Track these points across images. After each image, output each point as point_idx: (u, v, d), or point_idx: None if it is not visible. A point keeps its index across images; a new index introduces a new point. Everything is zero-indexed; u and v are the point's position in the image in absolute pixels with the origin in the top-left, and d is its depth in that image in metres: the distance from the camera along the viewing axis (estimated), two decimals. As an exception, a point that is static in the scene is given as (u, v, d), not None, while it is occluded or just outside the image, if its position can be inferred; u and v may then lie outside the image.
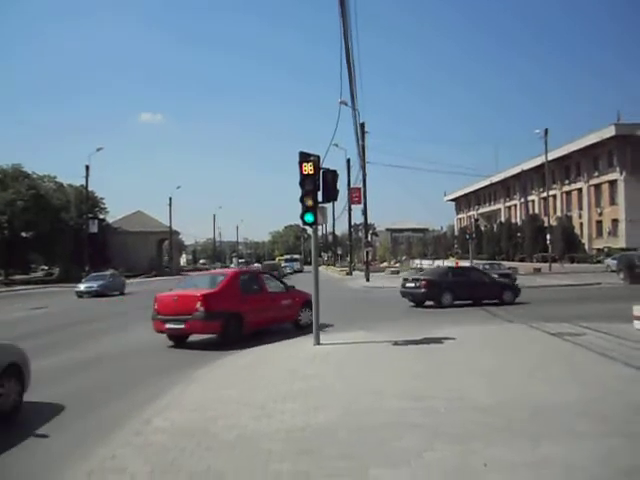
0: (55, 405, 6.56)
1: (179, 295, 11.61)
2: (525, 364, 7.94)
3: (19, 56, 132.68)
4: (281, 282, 14.30)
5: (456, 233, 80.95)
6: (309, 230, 11.14)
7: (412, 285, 19.00)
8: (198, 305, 10.71)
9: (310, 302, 13.11)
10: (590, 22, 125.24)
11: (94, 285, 29.37)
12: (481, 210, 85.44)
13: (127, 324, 15.67)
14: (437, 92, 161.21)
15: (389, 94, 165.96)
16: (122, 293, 31.13)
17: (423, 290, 18.34)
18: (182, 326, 10.89)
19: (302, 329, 12.80)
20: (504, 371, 7.48)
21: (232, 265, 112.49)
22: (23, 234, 49.54)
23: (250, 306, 11.55)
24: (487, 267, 32.58)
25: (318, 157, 9.98)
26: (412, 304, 18.85)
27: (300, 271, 65.14)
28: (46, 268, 60.87)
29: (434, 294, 18.26)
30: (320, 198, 10.08)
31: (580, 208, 58.00)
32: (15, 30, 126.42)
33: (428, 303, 18.60)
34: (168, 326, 11.12)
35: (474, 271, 21.19)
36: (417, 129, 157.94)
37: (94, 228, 48.68)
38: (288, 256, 78.49)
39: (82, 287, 29.56)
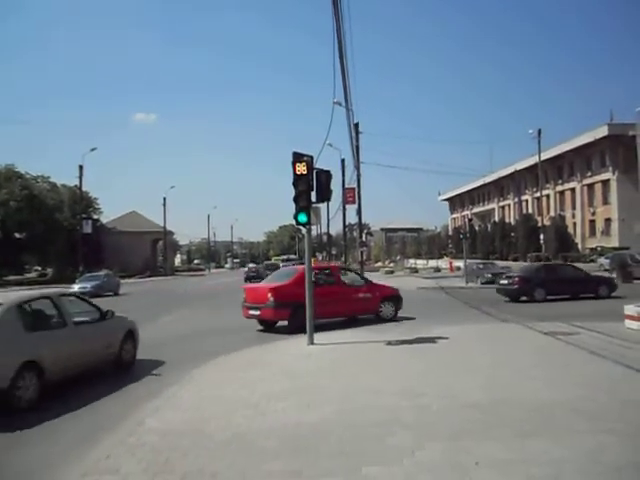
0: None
1: (258, 287, 14.39)
2: (518, 363, 8.01)
3: (13, 57, 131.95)
4: (361, 277, 15.98)
5: (450, 233, 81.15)
6: (303, 230, 11.23)
7: (506, 282, 20.35)
8: (269, 296, 12.69)
9: (393, 296, 14.82)
10: (590, 18, 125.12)
11: (88, 286, 29.23)
12: (475, 210, 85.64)
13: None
14: (434, 89, 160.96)
15: (385, 92, 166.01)
16: (116, 294, 31.04)
17: (516, 286, 19.51)
18: (258, 312, 13.04)
19: (384, 321, 13.93)
20: (497, 370, 7.52)
21: (227, 265, 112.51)
22: (16, 235, 49.21)
23: (320, 298, 11.74)
24: (481, 267, 32.77)
25: (311, 157, 10.01)
26: (507, 299, 19.69)
27: None
28: (40, 269, 60.55)
29: (527, 290, 19.33)
30: (314, 198, 10.11)
31: (573, 208, 58.28)
32: (12, 34, 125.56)
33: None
34: (250, 312, 13.35)
35: (568, 267, 22.84)
36: (413, 127, 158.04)
37: (88, 228, 48.44)
38: (285, 256, 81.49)
39: (76, 288, 29.42)
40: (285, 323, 12.89)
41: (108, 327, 8.49)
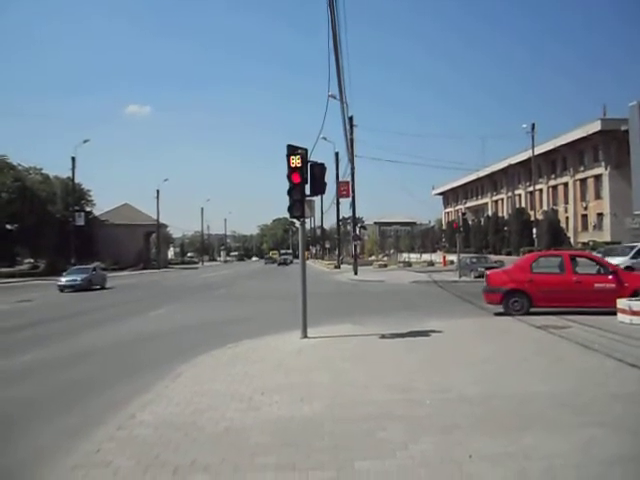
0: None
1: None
2: (510, 356, 8.03)
3: (5, 50, 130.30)
4: None
5: (444, 227, 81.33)
6: (297, 223, 11.20)
7: None
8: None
9: None
10: (589, 9, 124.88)
11: (77, 279, 28.92)
12: (469, 204, 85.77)
13: (109, 319, 15.63)
14: (430, 81, 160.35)
15: (380, 85, 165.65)
16: (103, 287, 30.72)
17: None
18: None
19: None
20: (489, 363, 7.54)
21: (220, 258, 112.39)
22: (8, 226, 48.89)
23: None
24: (474, 260, 32.85)
25: (306, 150, 9.96)
26: None
27: (291, 262, 75.06)
28: (32, 261, 60.14)
29: None
30: (308, 191, 10.08)
31: (566, 202, 58.49)
32: (4, 27, 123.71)
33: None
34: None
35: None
36: (408, 121, 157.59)
37: (81, 221, 48.23)
38: (284, 251, 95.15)
39: (63, 280, 29.10)
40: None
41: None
